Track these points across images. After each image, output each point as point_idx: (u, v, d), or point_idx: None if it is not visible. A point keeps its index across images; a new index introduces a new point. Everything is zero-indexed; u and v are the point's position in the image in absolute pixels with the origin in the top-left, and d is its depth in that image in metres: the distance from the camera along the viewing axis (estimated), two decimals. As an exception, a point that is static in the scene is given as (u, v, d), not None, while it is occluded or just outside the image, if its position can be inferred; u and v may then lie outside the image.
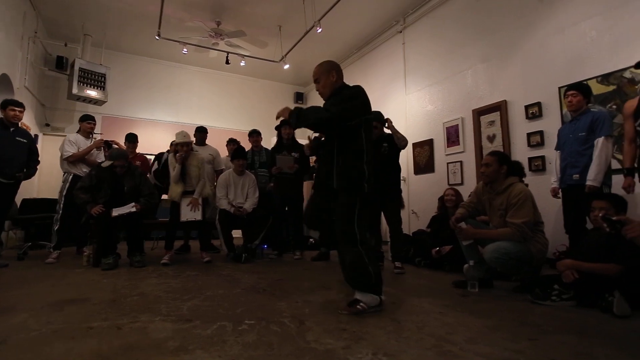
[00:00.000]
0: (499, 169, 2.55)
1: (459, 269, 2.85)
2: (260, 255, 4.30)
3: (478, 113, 4.51)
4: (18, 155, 3.55)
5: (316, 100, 8.54)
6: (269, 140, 6.11)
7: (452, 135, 4.88)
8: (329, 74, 2.16)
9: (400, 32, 5.92)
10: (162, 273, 3.10)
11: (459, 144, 4.77)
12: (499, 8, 4.40)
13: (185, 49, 6.31)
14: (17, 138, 3.56)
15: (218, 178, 4.32)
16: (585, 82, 3.31)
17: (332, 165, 2.06)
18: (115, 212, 3.43)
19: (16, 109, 3.54)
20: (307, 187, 4.62)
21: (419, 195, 5.35)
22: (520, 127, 4.05)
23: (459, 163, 4.74)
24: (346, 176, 2.01)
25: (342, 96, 2.06)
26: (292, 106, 2.24)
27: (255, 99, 8.40)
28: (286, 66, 6.78)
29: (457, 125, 4.79)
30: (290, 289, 2.54)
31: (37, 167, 3.84)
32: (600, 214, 1.71)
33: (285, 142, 4.37)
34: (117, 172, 3.59)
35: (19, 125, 3.69)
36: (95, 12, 5.73)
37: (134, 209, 3.49)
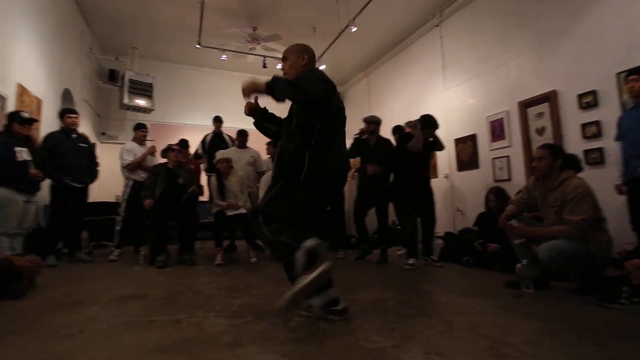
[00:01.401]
0: (553, 162, 2.41)
1: (510, 269, 2.72)
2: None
3: (524, 105, 4.27)
4: (83, 160, 3.90)
5: (349, 99, 8.52)
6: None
7: (497, 130, 4.65)
8: (299, 56, 2.02)
9: (437, 25, 5.73)
10: (212, 272, 3.25)
11: (504, 138, 4.55)
12: (544, -7, 4.14)
13: (224, 56, 6.54)
14: (80, 144, 3.91)
15: (260, 179, 4.44)
16: (649, 66, 3.03)
17: None
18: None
19: (72, 116, 3.87)
20: (347, 185, 4.62)
21: (463, 192, 5.16)
22: (573, 117, 3.78)
23: (505, 158, 4.52)
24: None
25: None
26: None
27: (292, 100, 8.51)
28: (322, 67, 6.80)
29: (502, 118, 4.57)
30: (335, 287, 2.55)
31: (98, 169, 4.15)
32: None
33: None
34: (171, 166, 3.98)
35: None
36: (142, 26, 6.11)
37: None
